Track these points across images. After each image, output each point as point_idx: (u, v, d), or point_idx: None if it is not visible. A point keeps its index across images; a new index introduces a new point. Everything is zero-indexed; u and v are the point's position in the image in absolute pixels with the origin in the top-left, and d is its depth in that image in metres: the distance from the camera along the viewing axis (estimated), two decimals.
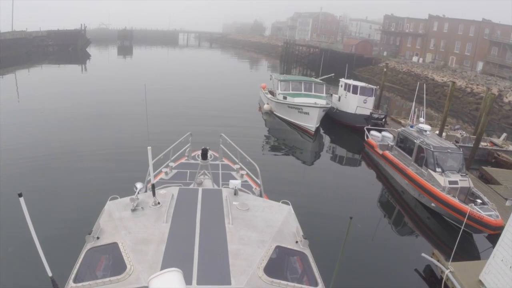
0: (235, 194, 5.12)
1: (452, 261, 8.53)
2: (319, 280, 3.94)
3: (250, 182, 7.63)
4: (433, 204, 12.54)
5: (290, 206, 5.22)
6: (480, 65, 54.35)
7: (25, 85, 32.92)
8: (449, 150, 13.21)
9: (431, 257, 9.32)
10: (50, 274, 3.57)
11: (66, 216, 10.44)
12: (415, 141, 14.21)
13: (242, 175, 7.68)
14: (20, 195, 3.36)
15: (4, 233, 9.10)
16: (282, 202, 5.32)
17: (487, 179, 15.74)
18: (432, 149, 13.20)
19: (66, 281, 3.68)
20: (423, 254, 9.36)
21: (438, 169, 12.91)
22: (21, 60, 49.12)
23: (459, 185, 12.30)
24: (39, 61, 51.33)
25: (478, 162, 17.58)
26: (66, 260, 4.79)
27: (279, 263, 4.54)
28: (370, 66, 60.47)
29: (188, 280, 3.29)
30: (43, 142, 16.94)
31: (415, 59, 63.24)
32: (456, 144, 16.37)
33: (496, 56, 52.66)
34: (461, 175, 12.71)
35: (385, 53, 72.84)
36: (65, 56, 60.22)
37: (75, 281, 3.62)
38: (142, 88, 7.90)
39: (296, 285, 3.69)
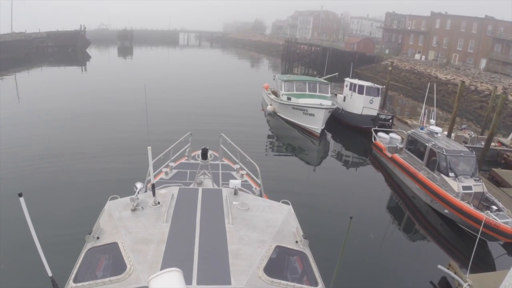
0: (235, 194, 5.11)
1: (468, 271, 8.16)
2: (319, 280, 3.92)
3: (250, 182, 7.62)
4: (446, 211, 12.09)
5: (290, 206, 5.20)
6: (483, 62, 54.02)
7: (25, 87, 32.96)
8: (462, 154, 12.75)
9: (448, 268, 8.90)
10: (50, 274, 3.58)
11: (66, 216, 10.45)
12: (427, 144, 13.73)
13: (242, 175, 7.67)
14: (20, 195, 3.37)
15: (4, 233, 9.12)
16: (282, 202, 5.30)
17: (497, 182, 15.25)
18: (445, 153, 12.72)
19: (66, 281, 3.68)
20: (439, 266, 8.92)
21: (451, 174, 12.41)
22: (20, 62, 49.00)
23: (473, 191, 11.85)
24: (39, 62, 51.26)
25: (487, 163, 17.04)
26: (66, 260, 4.79)
27: (279, 263, 4.52)
28: (372, 64, 60.32)
29: (188, 280, 3.29)
30: (43, 142, 16.97)
31: (417, 56, 62.81)
32: (465, 145, 15.97)
33: (499, 53, 52.32)
34: (475, 180, 12.23)
35: (387, 51, 72.59)
36: (65, 57, 60.17)
37: (75, 281, 3.62)
38: (142, 89, 7.91)
39: (296, 285, 3.68)
